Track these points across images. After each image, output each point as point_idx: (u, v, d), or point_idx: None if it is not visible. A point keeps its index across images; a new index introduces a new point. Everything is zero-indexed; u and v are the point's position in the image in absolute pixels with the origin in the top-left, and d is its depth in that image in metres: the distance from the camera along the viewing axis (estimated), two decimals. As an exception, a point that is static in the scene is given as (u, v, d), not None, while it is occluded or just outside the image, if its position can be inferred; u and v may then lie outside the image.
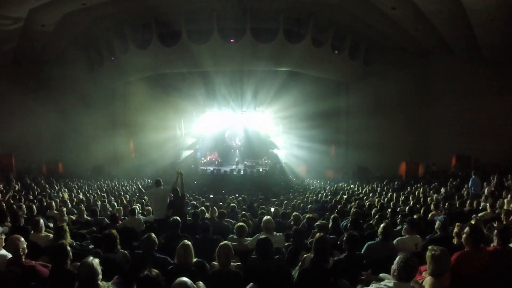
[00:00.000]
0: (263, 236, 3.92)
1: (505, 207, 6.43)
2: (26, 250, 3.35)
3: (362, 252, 4.00)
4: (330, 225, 5.71)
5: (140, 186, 13.93)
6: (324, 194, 11.88)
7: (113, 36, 18.61)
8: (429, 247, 2.94)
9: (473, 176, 10.29)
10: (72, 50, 18.41)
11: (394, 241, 4.30)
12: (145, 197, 9.32)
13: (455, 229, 4.21)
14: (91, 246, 4.73)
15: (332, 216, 5.86)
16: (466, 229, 3.47)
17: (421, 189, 11.34)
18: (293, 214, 6.54)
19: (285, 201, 10.16)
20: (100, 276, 2.55)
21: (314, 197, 11.36)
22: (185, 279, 2.35)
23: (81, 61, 19.64)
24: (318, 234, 3.59)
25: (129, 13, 16.84)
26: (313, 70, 19.93)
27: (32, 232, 4.64)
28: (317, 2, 15.86)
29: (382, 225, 4.27)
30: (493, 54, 13.42)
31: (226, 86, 23.49)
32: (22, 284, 2.93)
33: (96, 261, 2.56)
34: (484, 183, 9.93)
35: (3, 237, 3.70)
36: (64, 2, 13.79)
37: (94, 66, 19.82)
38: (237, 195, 14.09)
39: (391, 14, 14.31)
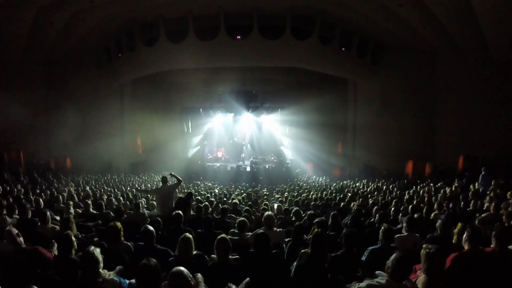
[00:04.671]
0: (261, 231, 3.99)
1: (509, 208, 6.38)
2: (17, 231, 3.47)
3: (364, 258, 3.91)
4: (330, 222, 5.76)
5: (139, 188, 12.99)
6: (329, 192, 11.89)
7: (121, 34, 18.81)
8: (424, 245, 2.96)
9: (483, 173, 10.21)
10: (81, 48, 18.66)
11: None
12: (149, 196, 9.41)
13: (456, 229, 4.21)
14: (96, 239, 4.85)
15: (332, 213, 5.89)
16: (466, 230, 3.48)
17: (426, 188, 11.30)
18: (294, 210, 6.58)
19: (290, 198, 10.20)
20: (102, 265, 2.66)
21: (319, 195, 11.37)
22: (181, 268, 2.43)
23: (89, 59, 19.93)
24: (316, 230, 3.63)
25: (136, 11, 17.00)
26: (320, 68, 19.87)
27: (39, 224, 4.78)
28: (324, 0, 15.82)
29: (382, 230, 4.04)
30: (502, 53, 13.22)
31: (234, 84, 23.57)
32: (29, 267, 3.06)
33: (97, 250, 2.67)
34: (492, 181, 9.81)
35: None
36: (73, 0, 13.99)
37: (102, 63, 20.05)
38: (242, 191, 14.19)
39: (399, 12, 14.21)
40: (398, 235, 4.43)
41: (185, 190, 12.93)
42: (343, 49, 18.81)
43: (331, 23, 17.96)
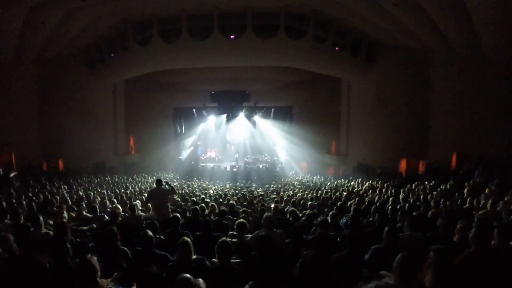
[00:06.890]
0: (263, 233, 3.91)
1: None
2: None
3: (367, 257, 3.84)
4: (329, 222, 5.71)
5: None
6: (324, 191, 11.87)
7: (114, 33, 18.58)
8: (433, 247, 2.92)
9: (479, 167, 10.28)
10: (73, 48, 18.38)
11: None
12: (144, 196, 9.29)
13: (458, 226, 4.18)
14: (91, 244, 4.71)
15: (330, 213, 5.84)
16: (473, 229, 3.43)
17: (422, 186, 11.32)
18: (290, 210, 6.52)
19: (285, 198, 10.15)
20: (99, 273, 2.55)
21: (315, 194, 11.35)
22: (187, 275, 2.35)
23: (82, 58, 19.64)
24: (319, 231, 3.57)
25: (129, 10, 16.79)
26: (315, 67, 19.89)
27: (32, 229, 4.63)
28: (318, -1, 15.83)
29: (386, 230, 4.01)
30: (495, 52, 13.29)
31: (227, 83, 23.49)
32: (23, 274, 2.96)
33: (94, 259, 2.56)
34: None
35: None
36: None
37: (94, 63, 19.78)
38: (236, 191, 14.12)
39: (393, 11, 14.24)
40: (401, 234, 4.40)
41: (179, 192, 12.79)
42: (337, 48, 18.83)
43: (325, 22, 17.96)
